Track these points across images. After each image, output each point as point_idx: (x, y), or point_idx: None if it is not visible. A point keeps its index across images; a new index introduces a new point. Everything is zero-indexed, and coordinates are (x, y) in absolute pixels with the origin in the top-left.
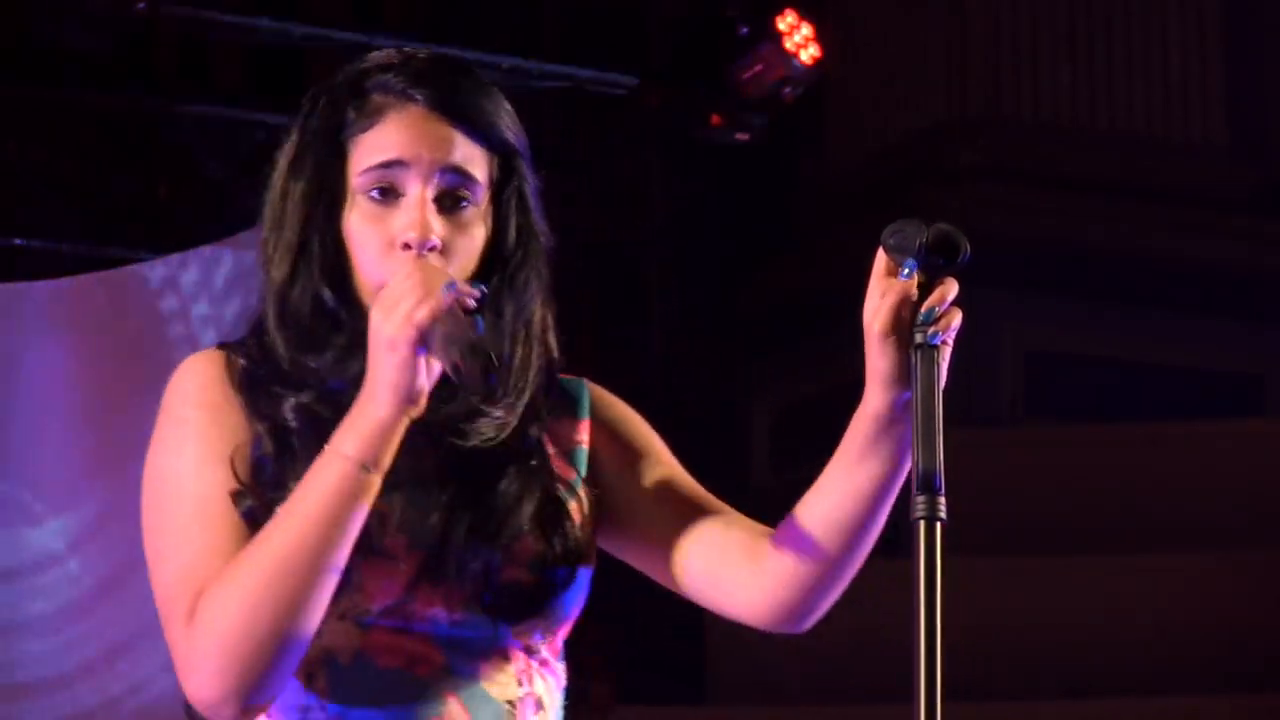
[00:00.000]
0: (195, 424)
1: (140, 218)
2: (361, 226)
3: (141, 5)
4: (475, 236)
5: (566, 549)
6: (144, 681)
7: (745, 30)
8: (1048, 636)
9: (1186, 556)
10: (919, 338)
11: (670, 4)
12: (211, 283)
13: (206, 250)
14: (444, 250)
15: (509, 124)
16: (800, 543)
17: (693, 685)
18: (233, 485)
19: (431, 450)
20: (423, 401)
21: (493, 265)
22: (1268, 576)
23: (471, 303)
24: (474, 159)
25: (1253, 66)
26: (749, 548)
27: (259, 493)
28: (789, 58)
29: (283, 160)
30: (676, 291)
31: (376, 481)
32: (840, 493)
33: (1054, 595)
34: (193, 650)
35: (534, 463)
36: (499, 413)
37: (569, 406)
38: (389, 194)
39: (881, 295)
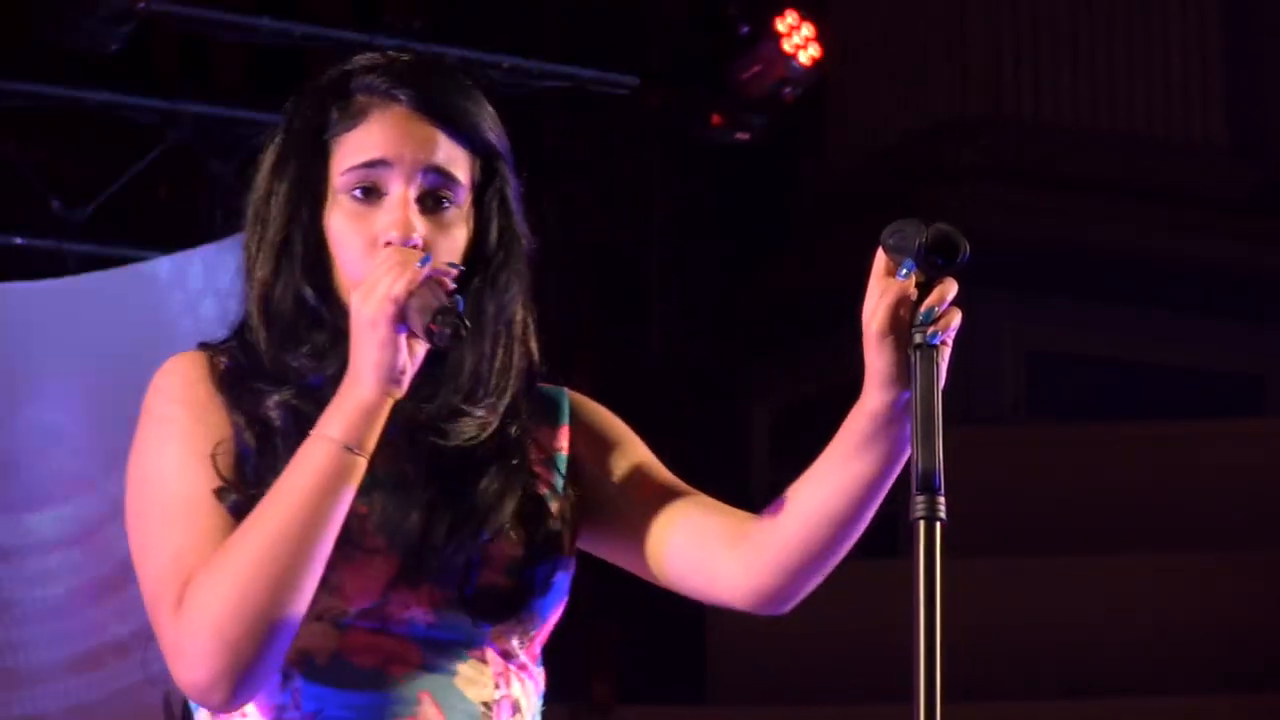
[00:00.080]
0: (178, 422)
1: (141, 217)
2: (344, 225)
3: (141, 5)
4: (457, 237)
5: (547, 547)
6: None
7: (745, 30)
8: (1048, 636)
9: (1186, 556)
10: (918, 338)
11: (670, 4)
12: (216, 280)
13: (211, 248)
14: (426, 249)
15: (491, 126)
16: (787, 530)
17: (693, 685)
18: (216, 483)
19: (412, 451)
20: (405, 382)
21: (474, 266)
22: (1267, 576)
23: (450, 282)
24: (456, 160)
25: (1253, 67)
26: (732, 532)
27: (242, 489)
28: (788, 58)
29: (267, 160)
30: (676, 291)
31: (362, 464)
32: (832, 486)
33: (1054, 595)
34: (182, 635)
35: (515, 462)
36: (480, 412)
37: (549, 413)
38: (371, 194)
39: (880, 295)
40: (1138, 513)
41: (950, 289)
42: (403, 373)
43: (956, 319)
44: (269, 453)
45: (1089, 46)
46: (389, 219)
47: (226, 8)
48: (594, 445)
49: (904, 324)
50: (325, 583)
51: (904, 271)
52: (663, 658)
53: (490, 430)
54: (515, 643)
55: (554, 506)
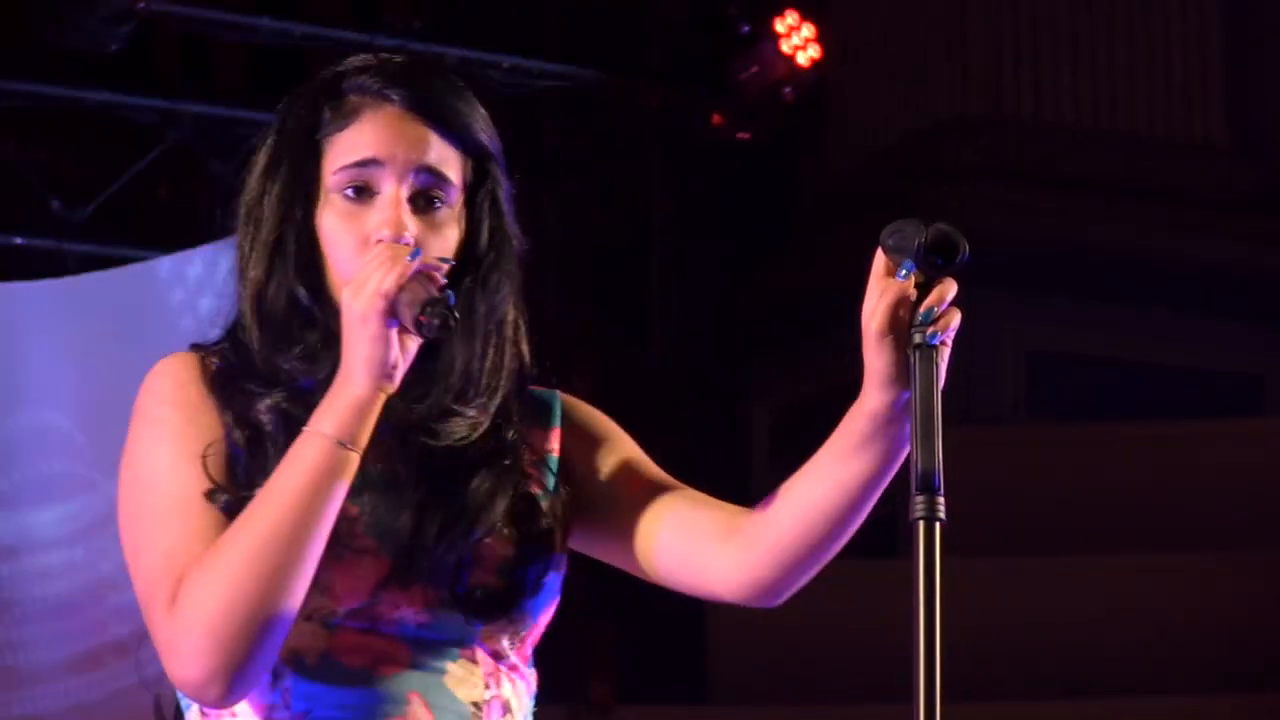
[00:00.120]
0: (170, 423)
1: (141, 217)
2: (336, 225)
3: (141, 5)
4: (449, 237)
5: (538, 547)
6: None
7: (745, 30)
8: (1048, 636)
9: (1186, 556)
10: (918, 338)
11: (670, 4)
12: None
13: (210, 247)
14: (419, 248)
15: (483, 127)
16: (783, 524)
17: (693, 685)
18: (207, 484)
19: (403, 451)
20: (397, 377)
21: (466, 267)
22: (1267, 576)
23: (440, 277)
24: (448, 160)
25: (1253, 67)
26: (724, 526)
27: (232, 490)
28: (787, 59)
29: (259, 161)
30: (676, 291)
31: (355, 459)
32: (829, 482)
33: (1054, 595)
34: (176, 632)
35: (507, 462)
36: (472, 412)
37: (541, 415)
38: (364, 193)
39: (879, 295)
40: (1138, 513)
41: (950, 289)
42: (394, 368)
43: (956, 319)
44: (259, 455)
45: (1089, 46)
46: (381, 217)
47: (226, 8)
48: (584, 445)
49: (903, 324)
50: (315, 582)
51: (904, 272)
52: (662, 658)
53: (481, 430)
54: (506, 643)
55: (545, 506)
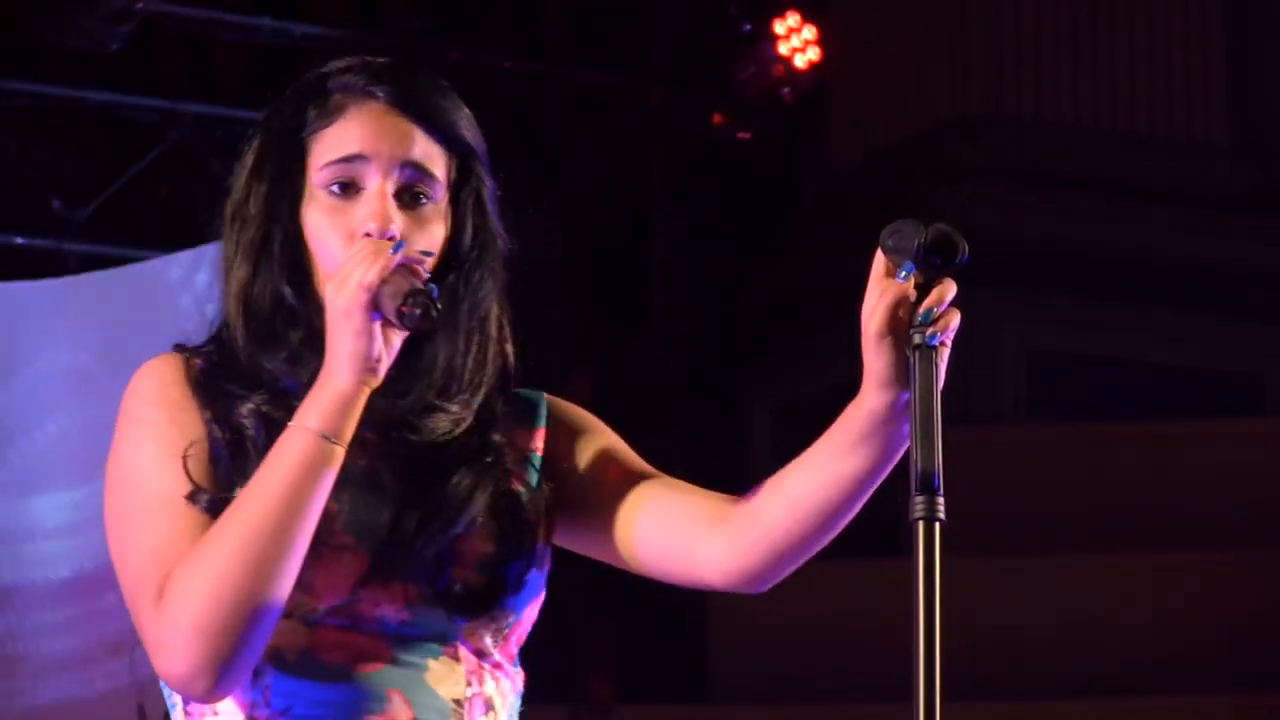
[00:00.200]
0: (154, 423)
1: (141, 217)
2: (322, 220)
3: (141, 5)
4: (434, 233)
5: (519, 544)
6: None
7: (747, 30)
8: (1048, 636)
9: (1187, 556)
10: (917, 338)
11: (672, 4)
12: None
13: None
14: (404, 243)
15: (468, 126)
16: (774, 515)
17: (694, 685)
18: (188, 486)
19: (385, 449)
20: (381, 371)
21: (450, 264)
22: (1268, 576)
23: (422, 271)
24: (433, 156)
25: (1254, 66)
26: (712, 513)
27: (214, 491)
28: (785, 60)
29: (245, 162)
30: (676, 291)
31: (340, 453)
32: (824, 477)
33: (1054, 595)
34: (163, 627)
35: (488, 459)
36: (454, 408)
37: (526, 416)
38: (349, 189)
39: (879, 296)
40: (1138, 513)
41: (949, 290)
42: (378, 361)
43: (955, 320)
44: (240, 457)
45: (1089, 46)
46: (367, 211)
47: (227, 8)
48: (568, 441)
49: (903, 325)
50: (296, 580)
51: (903, 274)
52: (663, 657)
53: (464, 426)
54: (489, 640)
55: (527, 503)
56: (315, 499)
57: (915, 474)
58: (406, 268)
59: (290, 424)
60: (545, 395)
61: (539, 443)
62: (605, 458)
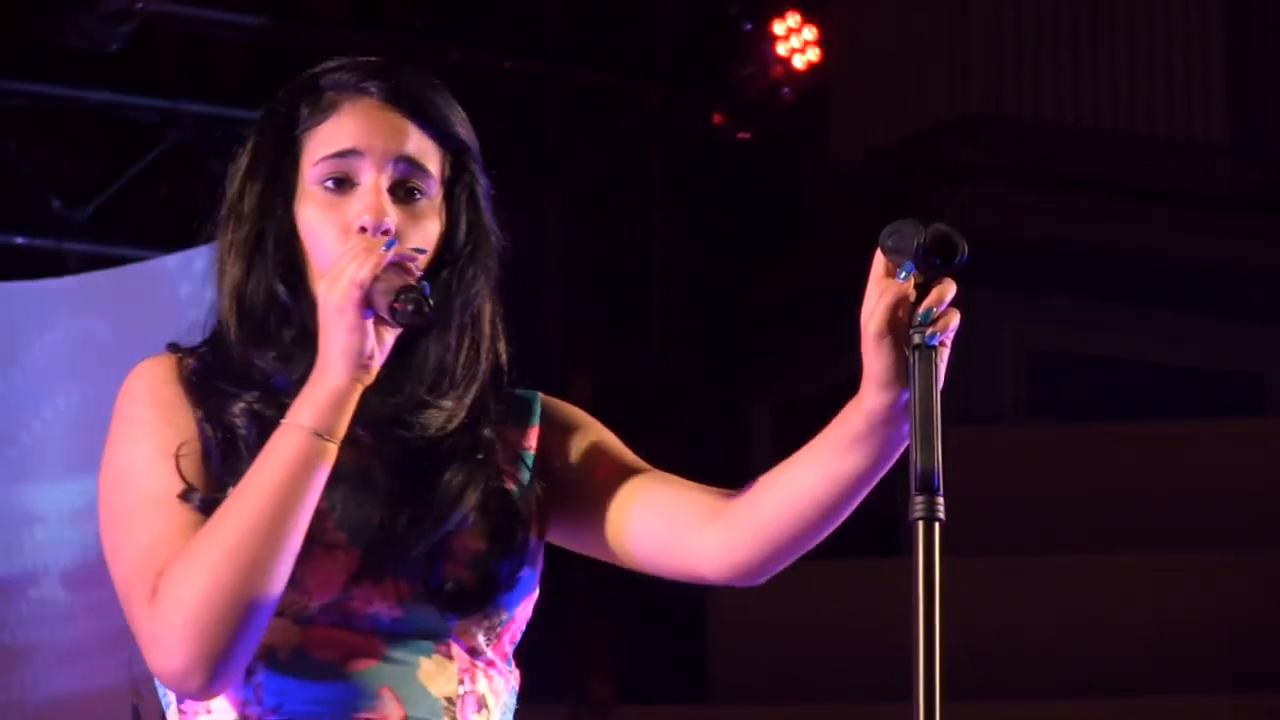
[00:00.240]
0: (148, 423)
1: (142, 217)
2: (316, 216)
3: (140, 4)
4: (428, 229)
5: (511, 542)
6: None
7: (747, 29)
8: (1048, 636)
9: (1186, 556)
10: (917, 338)
11: (672, 3)
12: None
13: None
14: (398, 237)
15: (460, 122)
16: (770, 509)
17: (694, 685)
18: (180, 485)
19: (377, 447)
20: (374, 368)
21: (443, 261)
22: (1268, 576)
23: (415, 268)
24: (427, 152)
25: (1255, 66)
26: (707, 507)
27: (206, 489)
28: (783, 61)
29: (239, 163)
30: (677, 291)
31: (333, 450)
32: (821, 474)
33: (1054, 595)
34: (156, 624)
35: (480, 456)
36: (447, 403)
37: (520, 415)
38: (344, 184)
39: (878, 296)
40: (1138, 513)
41: (949, 290)
42: (371, 358)
43: (955, 320)
44: (231, 457)
45: (1089, 46)
46: (361, 205)
47: (227, 7)
48: (562, 438)
49: (902, 325)
50: (287, 578)
51: (903, 274)
52: (663, 657)
53: (457, 422)
54: (482, 639)
55: (518, 501)
56: (308, 496)
57: (915, 474)
58: (399, 265)
59: (283, 421)
60: (540, 395)
61: (532, 441)
62: (596, 453)
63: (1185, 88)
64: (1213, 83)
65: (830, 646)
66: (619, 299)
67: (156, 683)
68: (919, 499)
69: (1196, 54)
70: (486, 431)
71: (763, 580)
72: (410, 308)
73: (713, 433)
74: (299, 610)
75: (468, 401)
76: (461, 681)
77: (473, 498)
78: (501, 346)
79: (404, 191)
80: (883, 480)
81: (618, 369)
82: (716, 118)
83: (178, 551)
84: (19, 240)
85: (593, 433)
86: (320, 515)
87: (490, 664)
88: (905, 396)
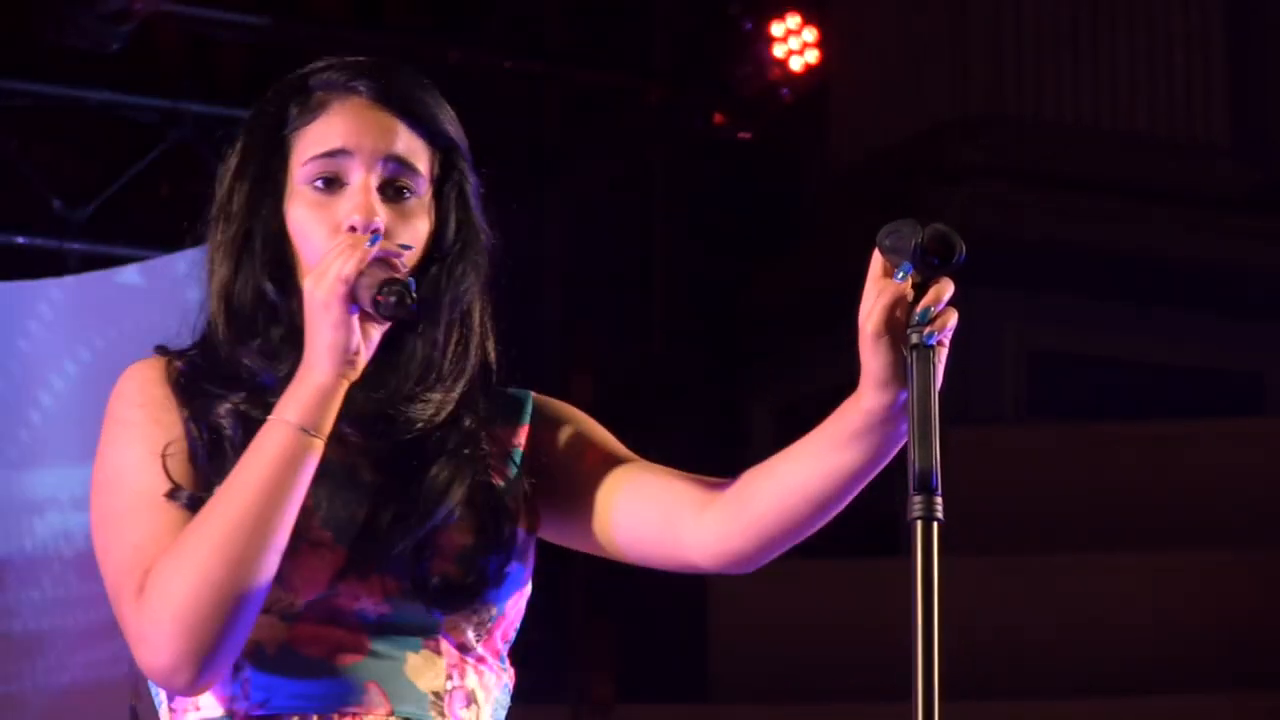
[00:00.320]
0: (137, 424)
1: (142, 216)
2: (306, 215)
3: (139, 5)
4: (417, 228)
5: (498, 537)
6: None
7: (747, 29)
8: (1048, 636)
9: (1186, 556)
10: (914, 338)
11: (671, 4)
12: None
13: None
14: (387, 237)
15: (449, 120)
16: (764, 501)
17: (695, 684)
18: (168, 484)
19: (363, 444)
20: (360, 364)
21: (433, 259)
22: (1268, 576)
23: (400, 263)
24: (416, 151)
25: (1255, 66)
26: (699, 497)
27: (195, 488)
28: (781, 63)
29: (229, 163)
30: (677, 291)
31: (319, 446)
32: (816, 468)
33: (1054, 595)
34: (144, 621)
35: (466, 451)
36: (434, 396)
37: (511, 413)
38: (333, 183)
39: (876, 296)
40: (1138, 513)
41: (947, 289)
42: (357, 354)
43: (953, 319)
44: (218, 457)
45: (1089, 46)
46: (351, 204)
47: (227, 7)
48: (550, 434)
49: (900, 324)
50: (274, 576)
51: (901, 274)
52: (664, 657)
53: (443, 416)
54: (471, 634)
55: (506, 496)
56: (295, 491)
57: (913, 473)
58: (385, 260)
59: (270, 417)
60: (533, 394)
61: (522, 439)
62: (583, 443)
63: (1185, 88)
64: (1213, 83)
65: (830, 646)
66: (619, 299)
67: (150, 683)
68: (917, 498)
69: (1197, 54)
70: (473, 426)
71: (753, 569)
72: (393, 299)
73: (713, 433)
74: (285, 607)
75: (454, 396)
76: (450, 677)
77: (459, 492)
78: (491, 344)
79: (393, 191)
80: (881, 480)
81: (618, 369)
82: (717, 118)
83: (165, 549)
84: (19, 240)
85: (581, 425)
86: (306, 513)
87: (480, 660)
88: (903, 396)
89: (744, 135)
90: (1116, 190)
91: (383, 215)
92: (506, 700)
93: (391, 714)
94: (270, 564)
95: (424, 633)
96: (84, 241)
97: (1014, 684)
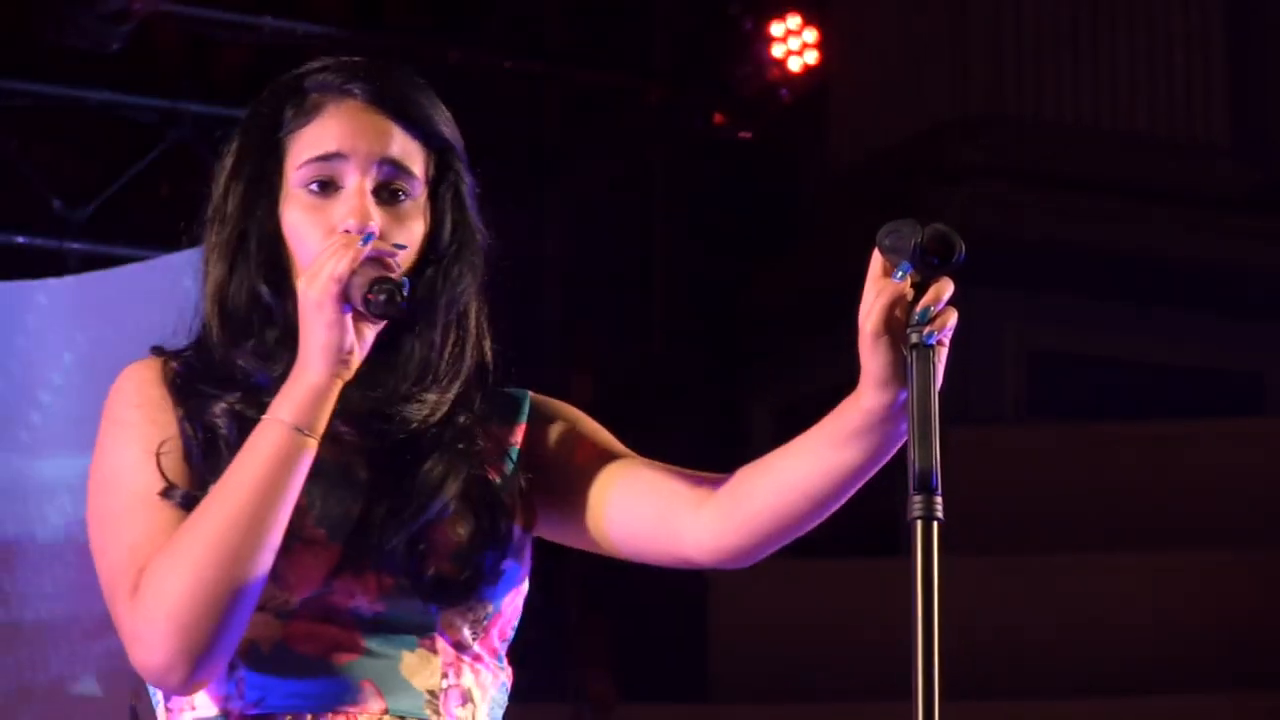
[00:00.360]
0: (134, 424)
1: (142, 216)
2: (301, 219)
3: (139, 5)
4: (413, 229)
5: (494, 533)
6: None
7: (747, 29)
8: (1048, 636)
9: (1186, 556)
10: (914, 337)
11: (671, 4)
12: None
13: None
14: (382, 239)
15: (445, 121)
16: (762, 497)
17: (694, 684)
18: (161, 484)
19: (359, 443)
20: (354, 364)
21: (429, 260)
22: (1268, 576)
23: (394, 262)
24: (411, 153)
25: (1256, 65)
26: (694, 492)
27: (189, 487)
28: (779, 63)
29: (225, 164)
30: (677, 291)
31: (313, 445)
32: (815, 466)
33: (1054, 595)
34: (138, 620)
35: (461, 446)
36: (430, 396)
37: (509, 412)
38: (328, 187)
39: (876, 295)
40: (1138, 513)
41: (946, 288)
42: (350, 353)
43: (953, 319)
44: (213, 457)
45: (1089, 46)
46: (345, 208)
47: (227, 6)
48: (546, 432)
49: (899, 324)
50: (269, 573)
51: (900, 273)
52: (664, 656)
53: (438, 416)
54: (467, 632)
55: (502, 493)
56: (289, 491)
57: (913, 473)
58: (378, 260)
59: (264, 417)
60: (530, 393)
61: (518, 437)
62: (578, 439)
63: (1186, 88)
64: (1213, 83)
65: (830, 646)
66: (619, 299)
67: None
68: (918, 498)
69: (1197, 54)
70: (468, 424)
71: (750, 563)
72: (383, 298)
73: (713, 433)
74: (280, 604)
75: (450, 396)
76: (445, 675)
77: (454, 486)
78: (488, 344)
79: (388, 193)
80: (881, 480)
81: (618, 369)
82: (717, 118)
83: (159, 548)
84: (20, 240)
85: (577, 423)
86: (299, 511)
87: (477, 658)
88: (903, 396)
89: (744, 135)
90: (1116, 190)
91: (377, 218)
92: (504, 699)
93: (386, 712)
94: (264, 563)
95: (420, 631)
96: (84, 241)
97: (1014, 684)
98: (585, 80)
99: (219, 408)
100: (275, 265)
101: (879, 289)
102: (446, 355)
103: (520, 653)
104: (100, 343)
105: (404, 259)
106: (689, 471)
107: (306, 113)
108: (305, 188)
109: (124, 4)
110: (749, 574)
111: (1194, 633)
